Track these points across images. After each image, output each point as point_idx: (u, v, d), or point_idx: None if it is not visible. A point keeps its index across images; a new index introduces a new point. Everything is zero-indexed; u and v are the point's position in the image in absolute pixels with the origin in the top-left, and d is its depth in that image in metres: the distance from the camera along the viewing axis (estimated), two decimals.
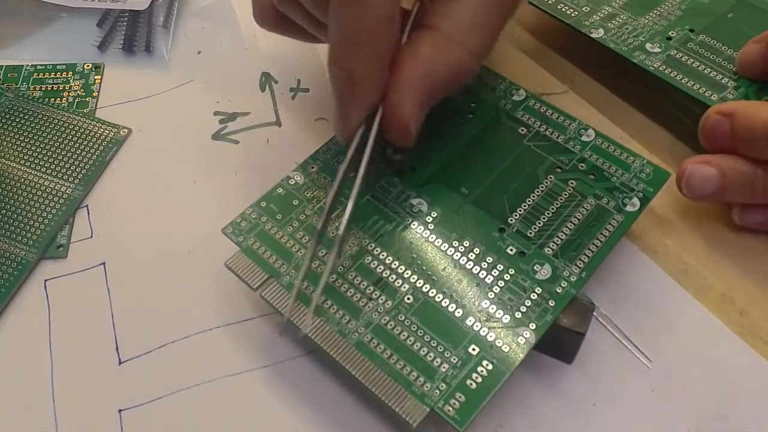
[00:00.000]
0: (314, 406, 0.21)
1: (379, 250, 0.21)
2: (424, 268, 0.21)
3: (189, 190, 0.26)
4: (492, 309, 0.20)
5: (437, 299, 0.20)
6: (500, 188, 0.23)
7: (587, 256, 0.21)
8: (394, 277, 0.21)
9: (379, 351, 0.19)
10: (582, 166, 0.23)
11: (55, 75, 0.30)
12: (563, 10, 0.28)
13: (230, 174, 0.27)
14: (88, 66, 0.30)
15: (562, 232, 0.22)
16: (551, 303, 0.20)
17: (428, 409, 0.18)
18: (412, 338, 0.20)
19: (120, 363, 0.22)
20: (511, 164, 0.23)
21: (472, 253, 0.21)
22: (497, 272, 0.21)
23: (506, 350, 0.19)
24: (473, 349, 0.19)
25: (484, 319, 0.20)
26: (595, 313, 0.21)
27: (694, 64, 0.26)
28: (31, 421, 0.21)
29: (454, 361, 0.19)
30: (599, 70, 0.29)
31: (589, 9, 0.28)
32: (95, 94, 0.29)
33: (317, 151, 0.24)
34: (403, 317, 0.20)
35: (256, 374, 0.22)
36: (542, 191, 0.23)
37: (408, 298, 0.20)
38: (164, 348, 0.22)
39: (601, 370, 0.22)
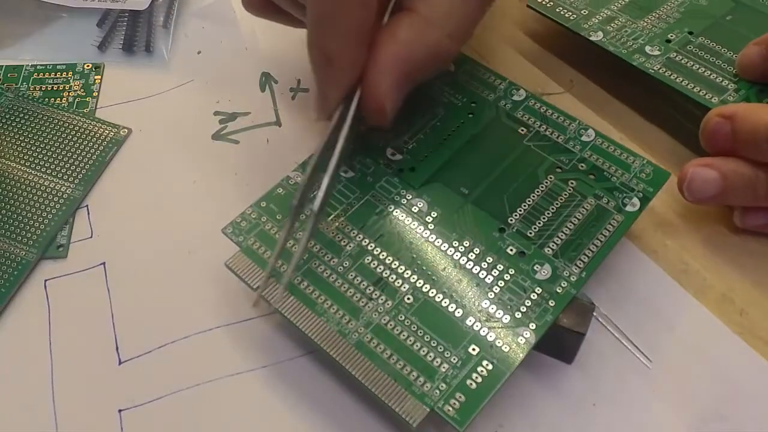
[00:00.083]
0: (314, 406, 0.21)
1: (379, 250, 0.21)
2: (424, 268, 0.21)
3: (189, 190, 0.26)
4: (492, 309, 0.20)
5: (437, 299, 0.20)
6: (500, 188, 0.23)
7: (587, 256, 0.21)
8: (394, 277, 0.21)
9: (379, 351, 0.19)
10: (582, 166, 0.23)
11: (55, 75, 0.30)
12: (562, 13, 0.28)
13: (230, 174, 0.27)
14: (88, 66, 0.30)
15: (562, 232, 0.22)
16: (551, 303, 0.20)
17: (428, 409, 0.18)
18: (412, 338, 0.20)
19: (120, 363, 0.22)
20: (511, 164, 0.23)
21: (472, 253, 0.21)
22: (497, 272, 0.21)
23: (506, 350, 0.19)
24: (473, 349, 0.19)
25: (484, 319, 0.20)
26: (595, 313, 0.21)
27: (693, 67, 0.26)
28: (31, 421, 0.21)
29: (454, 361, 0.19)
30: (599, 73, 0.29)
31: (587, 12, 0.28)
32: (95, 94, 0.29)
33: None
34: (403, 317, 0.20)
35: (256, 374, 0.22)
36: (542, 191, 0.23)
37: (408, 298, 0.20)
38: (164, 348, 0.22)
39: (601, 370, 0.22)
